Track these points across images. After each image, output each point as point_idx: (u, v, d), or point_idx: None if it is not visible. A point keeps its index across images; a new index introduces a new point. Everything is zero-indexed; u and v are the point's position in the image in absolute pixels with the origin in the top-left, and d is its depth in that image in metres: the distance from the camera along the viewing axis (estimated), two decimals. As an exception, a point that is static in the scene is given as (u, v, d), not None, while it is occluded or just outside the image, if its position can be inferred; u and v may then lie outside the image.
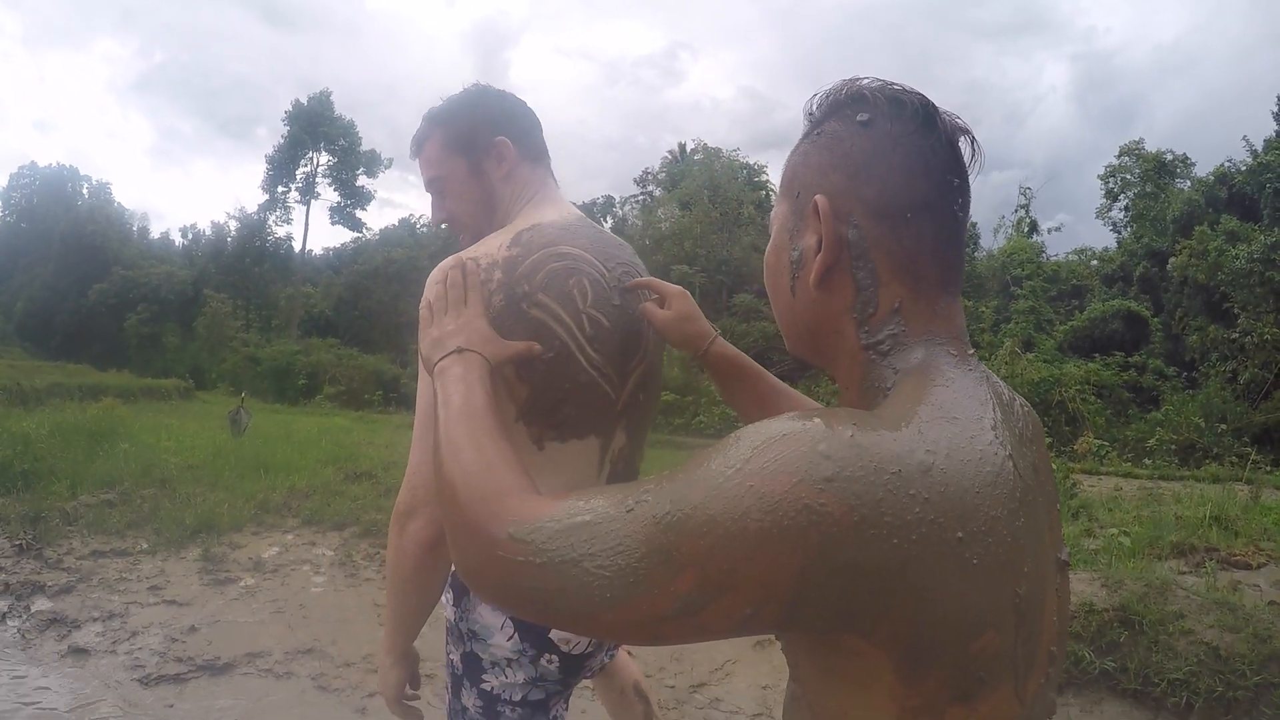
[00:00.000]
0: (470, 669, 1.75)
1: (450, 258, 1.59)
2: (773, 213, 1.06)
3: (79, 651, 4.47)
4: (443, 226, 1.90)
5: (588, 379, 1.62)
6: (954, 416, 0.84)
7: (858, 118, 0.96)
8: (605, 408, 1.66)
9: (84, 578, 5.49)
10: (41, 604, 5.07)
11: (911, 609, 0.74)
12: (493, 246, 1.62)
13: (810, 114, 1.02)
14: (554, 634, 1.67)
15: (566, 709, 1.84)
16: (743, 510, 0.74)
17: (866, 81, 0.98)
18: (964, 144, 0.97)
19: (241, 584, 5.50)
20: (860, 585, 0.73)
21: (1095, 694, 3.86)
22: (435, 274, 1.56)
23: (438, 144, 1.82)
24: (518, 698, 1.73)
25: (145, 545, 6.08)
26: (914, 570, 0.73)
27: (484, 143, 1.78)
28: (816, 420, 0.78)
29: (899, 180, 0.93)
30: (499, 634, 1.69)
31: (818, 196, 0.95)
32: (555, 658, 1.68)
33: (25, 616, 4.88)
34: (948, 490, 0.76)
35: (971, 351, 0.96)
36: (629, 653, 2.35)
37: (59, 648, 4.51)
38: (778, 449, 0.76)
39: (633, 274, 1.75)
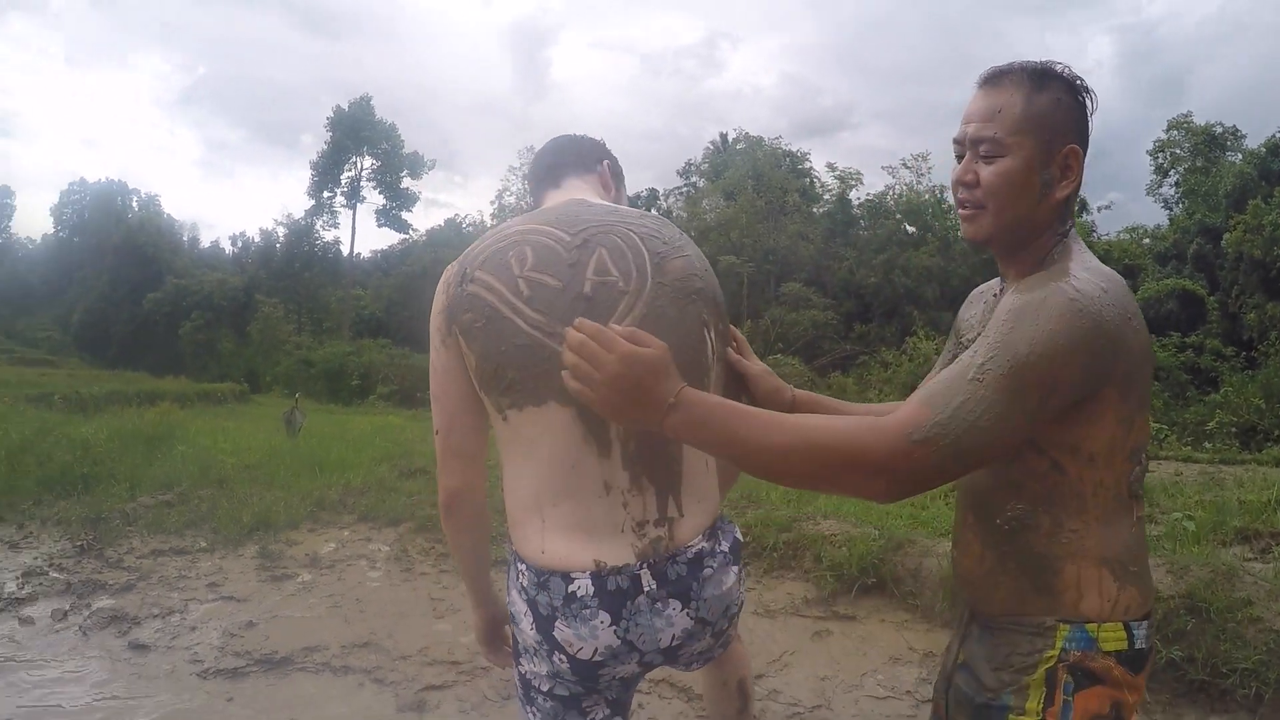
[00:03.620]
0: (515, 648, 1.79)
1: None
2: (1004, 138, 1.48)
3: (139, 647, 4.48)
4: None
5: (528, 339, 1.60)
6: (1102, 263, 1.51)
7: (1078, 97, 1.51)
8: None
9: (144, 576, 5.52)
10: (102, 602, 5.08)
11: (1127, 360, 1.37)
12: (469, 247, 1.78)
13: (1033, 73, 1.50)
14: (558, 633, 1.62)
15: (615, 715, 1.79)
16: (1050, 342, 1.30)
17: (1064, 68, 1.52)
18: None
19: (298, 580, 5.51)
20: (1115, 357, 1.36)
21: (1162, 683, 3.72)
22: (441, 280, 1.76)
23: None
24: (545, 688, 1.72)
25: (203, 544, 6.12)
26: (1127, 341, 1.37)
27: (533, 179, 2.07)
28: (1064, 286, 1.36)
29: (1087, 136, 1.53)
30: (524, 621, 1.68)
31: (1074, 146, 1.49)
32: (564, 658, 1.64)
33: (86, 614, 4.90)
34: (1126, 297, 1.42)
35: None
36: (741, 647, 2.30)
37: (120, 643, 4.54)
38: (1051, 310, 1.33)
39: (601, 235, 1.71)
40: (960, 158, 1.58)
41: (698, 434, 1.40)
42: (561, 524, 1.63)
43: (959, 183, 1.56)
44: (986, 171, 1.51)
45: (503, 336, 1.61)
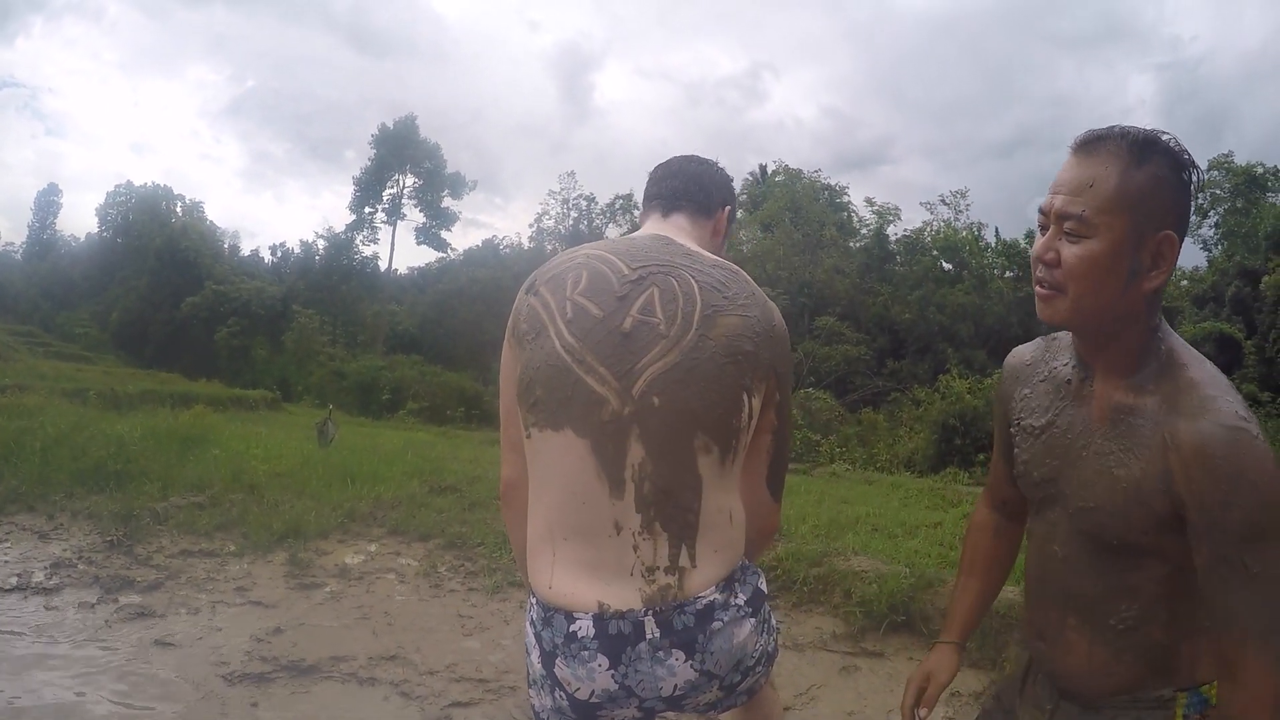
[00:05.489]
0: (527, 677, 1.79)
1: None
2: (1092, 217, 1.36)
3: (164, 645, 4.50)
4: None
5: (558, 361, 1.61)
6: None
7: (1183, 175, 1.37)
8: (587, 403, 1.59)
9: (172, 575, 5.54)
10: (130, 598, 5.11)
11: None
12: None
13: (1134, 143, 1.36)
14: (558, 671, 1.61)
15: None
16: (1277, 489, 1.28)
17: (1171, 139, 1.38)
18: None
19: (327, 589, 5.52)
20: None
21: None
22: None
23: None
24: None
25: (233, 547, 6.14)
26: None
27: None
28: (1230, 420, 1.30)
29: (1187, 220, 1.42)
30: (533, 653, 1.68)
31: (1170, 234, 1.37)
32: (563, 695, 1.63)
33: (113, 608, 4.93)
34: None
35: None
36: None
37: (145, 640, 4.55)
38: (1250, 458, 1.28)
39: (659, 275, 1.70)
40: (1044, 229, 1.46)
41: None
42: (570, 560, 1.63)
43: (1039, 259, 1.45)
44: (1069, 252, 1.40)
45: (540, 353, 1.64)
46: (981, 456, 17.48)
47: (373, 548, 6.36)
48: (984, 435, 18.12)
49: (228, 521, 6.61)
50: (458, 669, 4.42)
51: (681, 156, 2.09)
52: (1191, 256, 44.00)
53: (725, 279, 1.73)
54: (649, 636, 1.59)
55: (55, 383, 18.11)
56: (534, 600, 1.68)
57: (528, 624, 1.71)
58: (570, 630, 1.60)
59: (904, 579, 4.89)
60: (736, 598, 1.68)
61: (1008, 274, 39.49)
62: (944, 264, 39.86)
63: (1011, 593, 4.61)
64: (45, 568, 5.53)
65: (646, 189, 2.07)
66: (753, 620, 1.71)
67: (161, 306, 47.99)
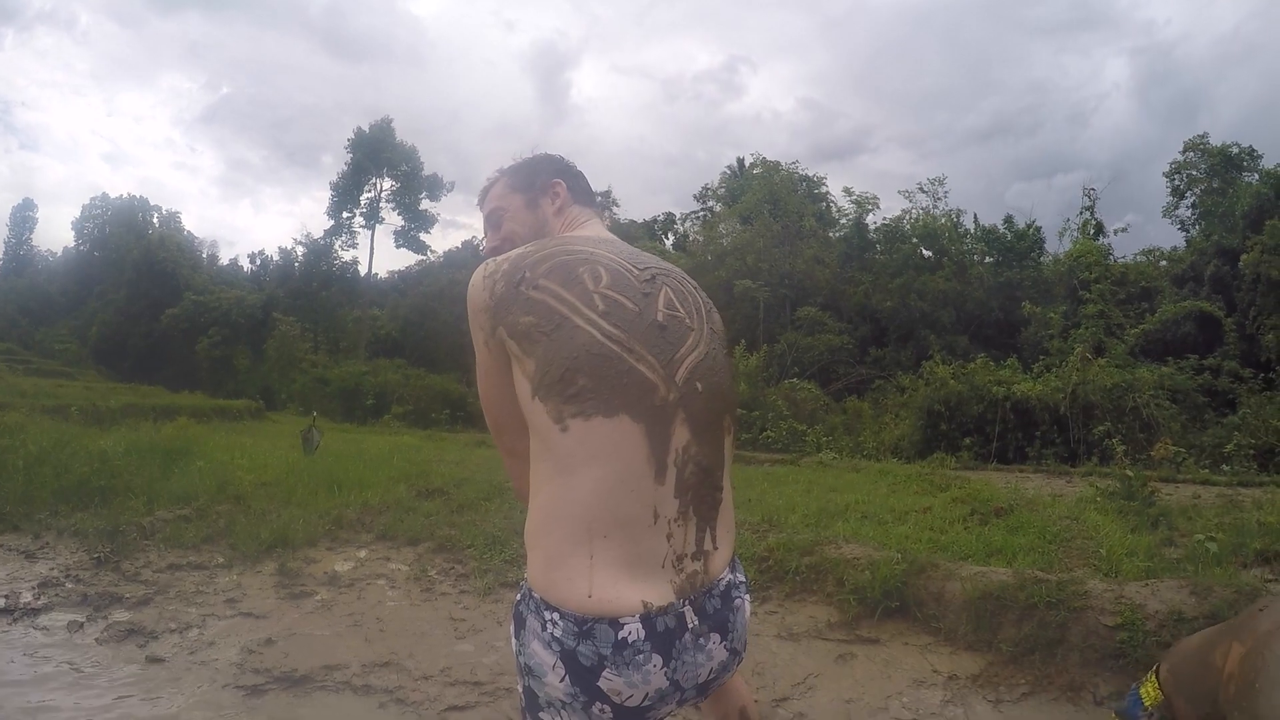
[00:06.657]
0: (529, 703, 1.71)
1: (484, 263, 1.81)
2: None
3: (156, 661, 4.47)
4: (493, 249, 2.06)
5: (604, 350, 1.62)
6: None
7: None
8: (641, 389, 1.62)
9: (161, 590, 5.51)
10: (120, 615, 5.07)
11: None
12: (514, 251, 1.82)
13: None
14: (604, 683, 1.57)
15: None
16: None
17: None
18: None
19: (317, 598, 5.49)
20: None
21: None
22: (475, 277, 1.79)
23: (503, 185, 2.13)
24: None
25: (221, 559, 6.10)
26: None
27: (542, 184, 2.09)
28: None
29: None
30: (551, 674, 1.61)
31: None
32: (607, 708, 1.59)
33: (103, 626, 4.89)
34: None
35: None
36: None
37: (137, 657, 4.52)
38: None
39: (663, 276, 1.82)
40: None
41: None
42: (609, 560, 1.59)
43: None
44: None
45: (574, 344, 1.63)
46: (967, 440, 17.46)
47: (362, 554, 6.33)
48: (968, 420, 18.11)
49: (215, 533, 6.57)
50: (452, 673, 4.40)
51: (565, 157, 2.21)
52: (1170, 236, 44.24)
53: (695, 281, 1.93)
54: (690, 625, 1.63)
55: (36, 400, 17.93)
56: (554, 617, 1.60)
57: (541, 645, 1.61)
58: (620, 637, 1.57)
59: (896, 564, 4.90)
60: (739, 575, 1.81)
61: (987, 259, 39.53)
62: (924, 251, 39.83)
63: (1004, 574, 4.64)
64: (33, 588, 5.48)
65: (568, 175, 2.14)
66: (748, 596, 1.83)
67: (141, 319, 47.68)
